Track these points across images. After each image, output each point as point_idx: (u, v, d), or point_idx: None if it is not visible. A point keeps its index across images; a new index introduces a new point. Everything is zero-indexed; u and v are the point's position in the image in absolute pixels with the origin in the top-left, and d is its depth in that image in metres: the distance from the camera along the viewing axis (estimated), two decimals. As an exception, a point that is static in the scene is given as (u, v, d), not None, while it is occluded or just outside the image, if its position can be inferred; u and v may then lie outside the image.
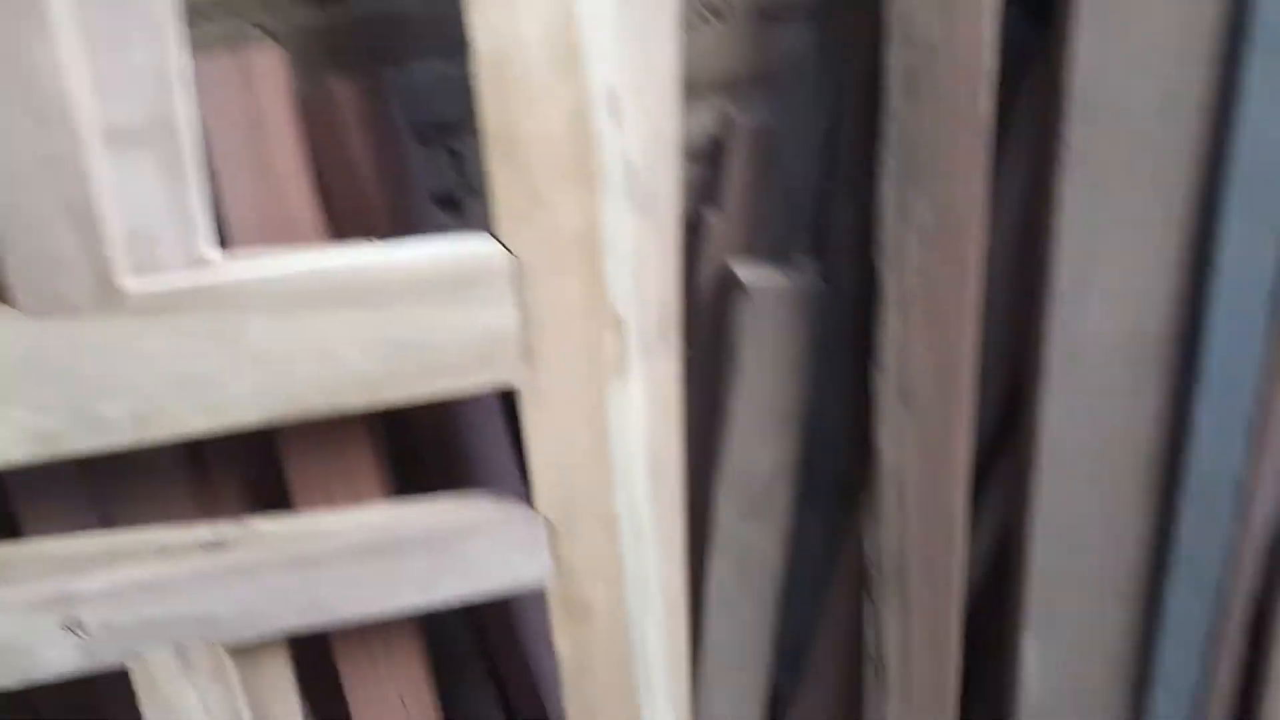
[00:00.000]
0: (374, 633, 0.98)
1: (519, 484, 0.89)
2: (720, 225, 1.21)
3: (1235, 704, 1.31)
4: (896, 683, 1.20)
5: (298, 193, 0.92)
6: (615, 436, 0.84)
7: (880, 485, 1.10)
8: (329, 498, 0.93)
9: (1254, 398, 1.12)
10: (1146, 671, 1.29)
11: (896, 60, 0.94)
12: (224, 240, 0.87)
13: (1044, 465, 1.14)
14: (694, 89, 1.20)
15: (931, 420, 1.07)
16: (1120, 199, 1.02)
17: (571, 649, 0.93)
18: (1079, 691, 1.31)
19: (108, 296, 0.70)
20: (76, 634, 0.81)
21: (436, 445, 1.15)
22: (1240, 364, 1.10)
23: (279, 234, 0.91)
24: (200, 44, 0.76)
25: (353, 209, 1.03)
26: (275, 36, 1.14)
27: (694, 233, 1.22)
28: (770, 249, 1.20)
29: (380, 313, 0.75)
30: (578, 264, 0.77)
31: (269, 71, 0.90)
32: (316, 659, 0.99)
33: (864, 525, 1.15)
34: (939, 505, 1.11)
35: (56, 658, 0.81)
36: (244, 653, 0.88)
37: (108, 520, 0.91)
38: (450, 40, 1.06)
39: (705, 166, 1.26)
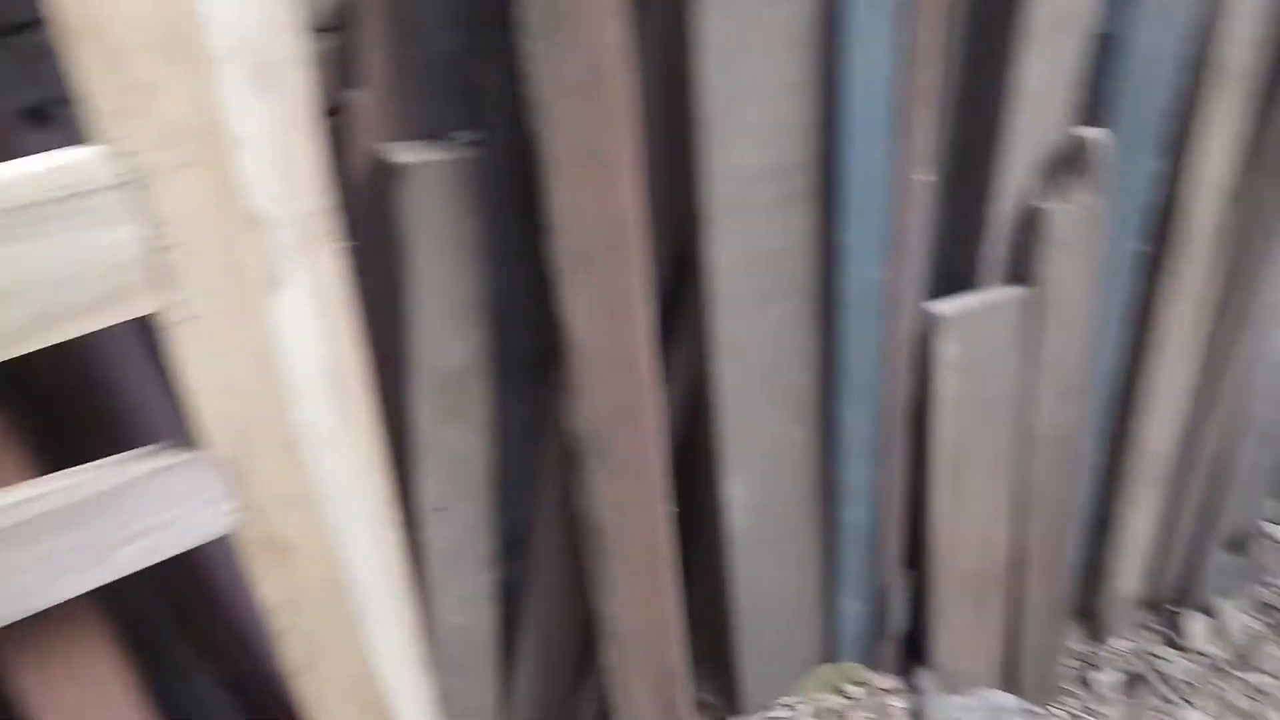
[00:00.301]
0: (45, 630, 0.85)
1: (179, 424, 0.78)
2: (366, 105, 1.11)
3: (909, 499, 1.46)
4: (615, 546, 1.22)
5: None
6: (282, 351, 0.76)
7: (571, 356, 1.09)
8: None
9: (888, 213, 1.21)
10: (833, 484, 1.40)
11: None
12: None
13: (719, 306, 1.18)
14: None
15: (610, 281, 1.06)
16: (756, 30, 1.04)
17: (278, 592, 0.85)
18: (780, 516, 1.40)
19: None
20: None
21: (76, 400, 1.00)
22: (873, 183, 1.18)
23: None
24: None
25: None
26: None
27: (339, 118, 1.12)
28: (424, 124, 1.12)
29: (-34, 257, 0.62)
30: (201, 161, 0.66)
31: None
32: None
33: (562, 399, 1.14)
34: (629, 366, 1.12)
35: None
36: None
37: None
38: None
39: (338, 40, 1.14)
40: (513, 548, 1.32)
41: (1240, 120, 1.40)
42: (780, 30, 1.05)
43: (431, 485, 1.20)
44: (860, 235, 1.20)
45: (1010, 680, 1.66)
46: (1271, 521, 2.11)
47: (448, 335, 1.13)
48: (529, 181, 1.02)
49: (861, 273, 1.23)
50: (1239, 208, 1.48)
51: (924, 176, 1.21)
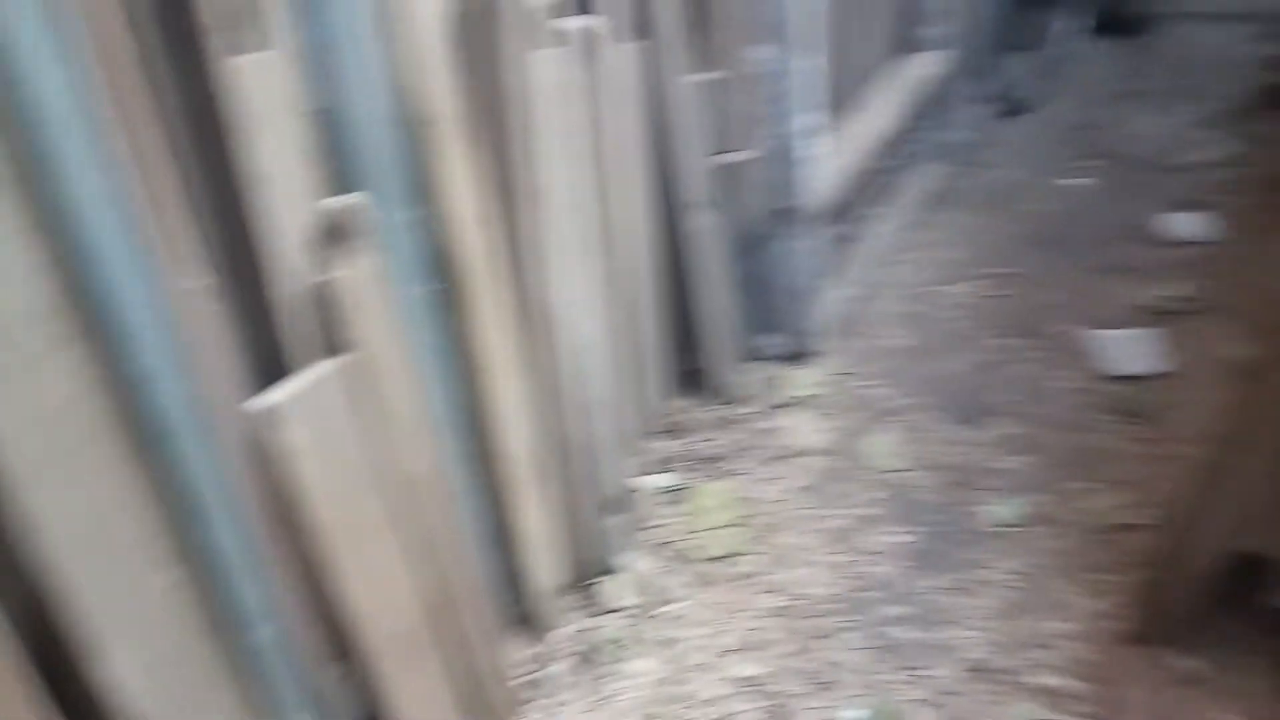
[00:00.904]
0: None
1: None
2: None
3: (315, 592, 1.43)
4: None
5: None
6: None
7: None
8: None
9: (174, 327, 1.17)
10: (228, 614, 1.32)
11: None
12: None
13: (13, 481, 1.04)
14: None
15: None
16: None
17: None
18: (184, 673, 1.28)
19: None
20: None
21: None
22: (142, 302, 1.12)
23: None
24: None
25: None
26: None
27: None
28: None
29: None
30: None
31: None
32: None
33: None
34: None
35: None
36: None
37: None
38: None
39: None
40: None
41: (471, 157, 1.59)
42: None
43: None
44: (152, 358, 1.15)
45: (479, 712, 1.72)
46: (635, 475, 2.45)
47: None
48: None
49: (167, 395, 1.17)
50: (496, 232, 1.68)
51: (195, 282, 1.19)
